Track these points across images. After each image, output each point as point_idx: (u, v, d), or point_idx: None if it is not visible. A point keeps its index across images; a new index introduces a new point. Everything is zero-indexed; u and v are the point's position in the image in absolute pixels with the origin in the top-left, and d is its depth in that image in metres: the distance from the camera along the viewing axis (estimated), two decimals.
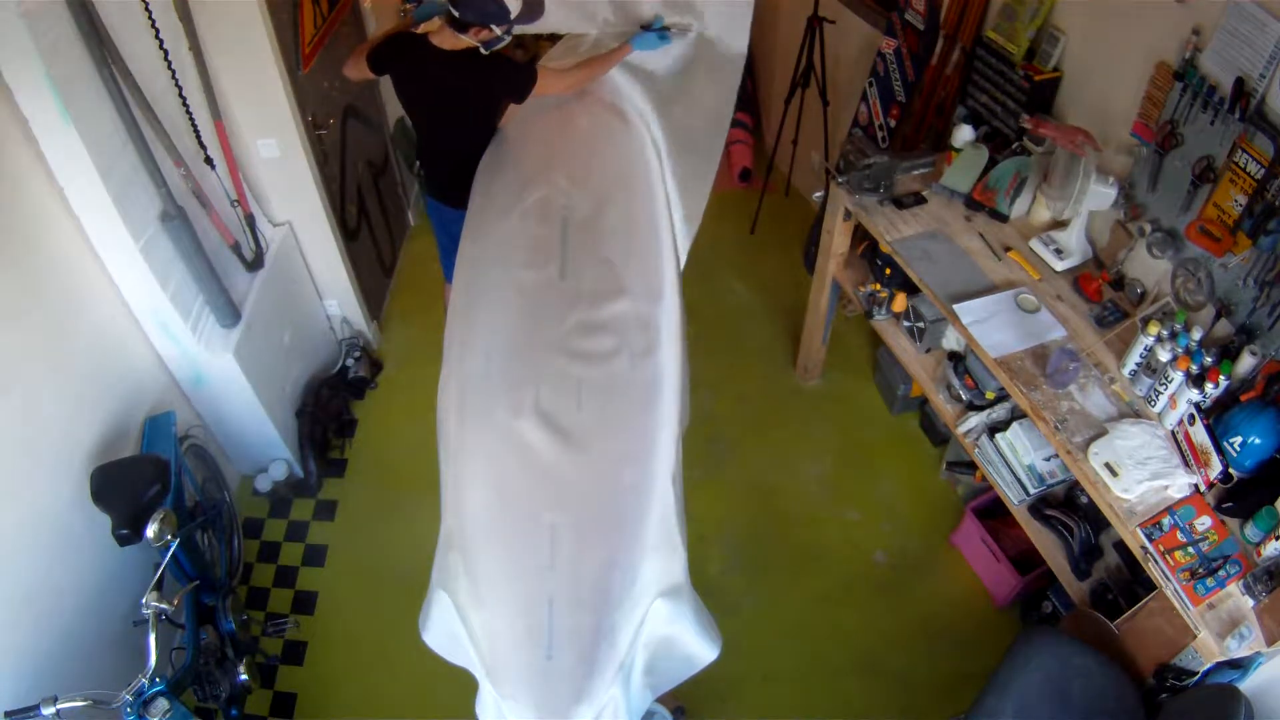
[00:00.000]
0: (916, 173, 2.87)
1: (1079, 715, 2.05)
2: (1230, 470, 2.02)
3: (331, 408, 3.32)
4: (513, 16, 2.31)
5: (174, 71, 2.41)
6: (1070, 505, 2.51)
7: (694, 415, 3.37)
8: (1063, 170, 2.46)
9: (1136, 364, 2.24)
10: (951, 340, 2.78)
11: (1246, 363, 2.08)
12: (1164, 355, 2.12)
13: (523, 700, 1.57)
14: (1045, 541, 2.47)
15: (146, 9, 2.28)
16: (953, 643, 2.74)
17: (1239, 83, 2.00)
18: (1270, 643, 1.83)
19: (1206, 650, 1.89)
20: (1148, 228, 2.35)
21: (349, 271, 3.39)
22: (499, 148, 2.58)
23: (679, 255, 2.47)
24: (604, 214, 2.30)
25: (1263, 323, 2.08)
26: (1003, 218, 2.68)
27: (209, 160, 2.61)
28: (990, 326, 2.38)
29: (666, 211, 2.37)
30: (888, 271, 2.88)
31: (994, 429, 2.60)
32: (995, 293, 2.46)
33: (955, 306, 2.42)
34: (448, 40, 2.40)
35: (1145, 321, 2.23)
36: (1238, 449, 2.01)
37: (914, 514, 3.09)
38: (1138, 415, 2.20)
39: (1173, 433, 2.15)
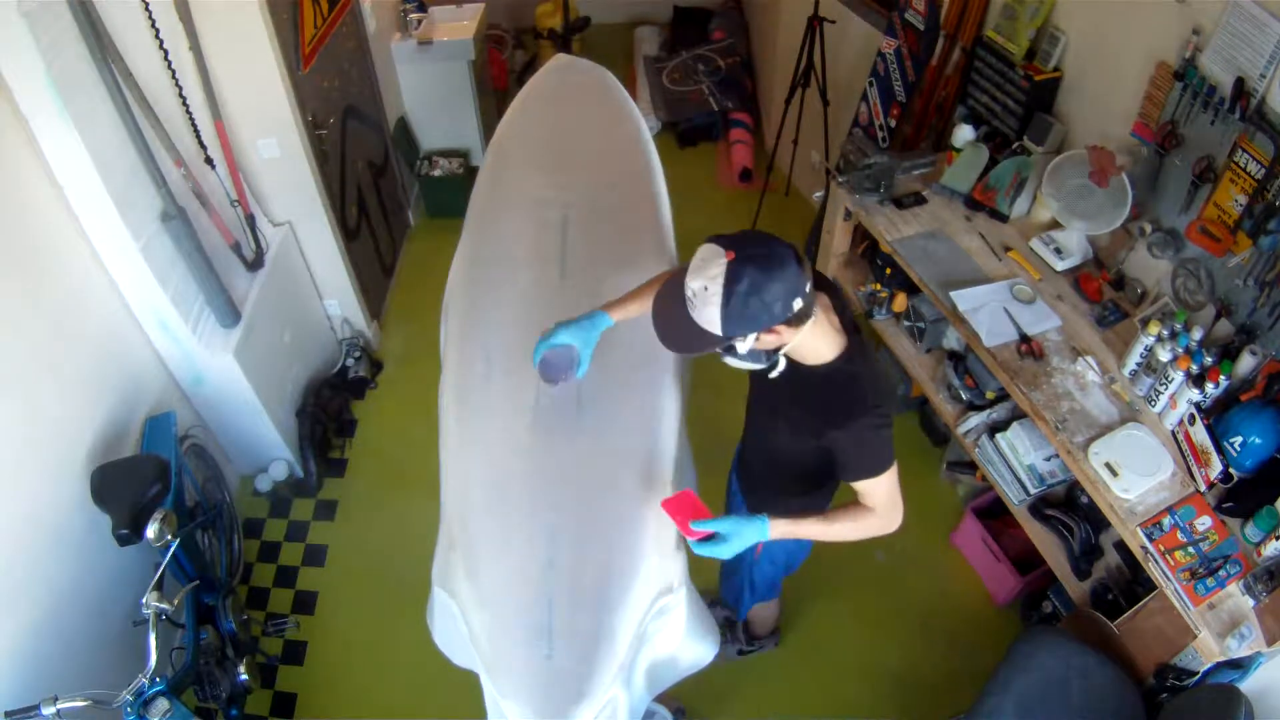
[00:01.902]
0: (916, 173, 2.87)
1: (1079, 715, 2.05)
2: (1230, 470, 2.02)
3: (331, 408, 3.32)
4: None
5: (174, 71, 2.41)
6: (1070, 505, 2.51)
7: (694, 415, 3.37)
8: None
9: (1137, 364, 2.24)
10: (952, 340, 2.77)
11: (1246, 362, 2.08)
12: (1164, 355, 2.12)
13: (523, 700, 1.57)
14: (1045, 541, 2.47)
15: (146, 9, 2.28)
16: (953, 643, 2.73)
17: (1239, 83, 2.00)
18: (1270, 643, 1.83)
19: (1206, 650, 1.89)
20: (1148, 228, 2.35)
21: (349, 271, 3.39)
22: (499, 149, 2.58)
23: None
24: (605, 214, 2.30)
25: (1263, 322, 2.08)
26: (1003, 217, 2.69)
27: (209, 160, 2.61)
28: (986, 314, 2.40)
29: (668, 213, 2.37)
30: (888, 271, 2.88)
31: (994, 429, 2.60)
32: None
33: (953, 293, 2.44)
34: None
35: (1145, 321, 2.23)
36: (1238, 449, 2.01)
37: (914, 514, 3.06)
38: (1138, 415, 2.20)
39: (1173, 432, 2.15)
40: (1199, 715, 1.90)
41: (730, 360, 1.49)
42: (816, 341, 1.52)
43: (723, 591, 2.49)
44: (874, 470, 1.61)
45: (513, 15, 5.39)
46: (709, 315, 1.36)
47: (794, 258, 1.38)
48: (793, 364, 1.54)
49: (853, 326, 1.61)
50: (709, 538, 1.58)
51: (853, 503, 1.68)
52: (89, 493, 2.14)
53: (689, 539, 1.59)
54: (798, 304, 1.38)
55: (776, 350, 1.48)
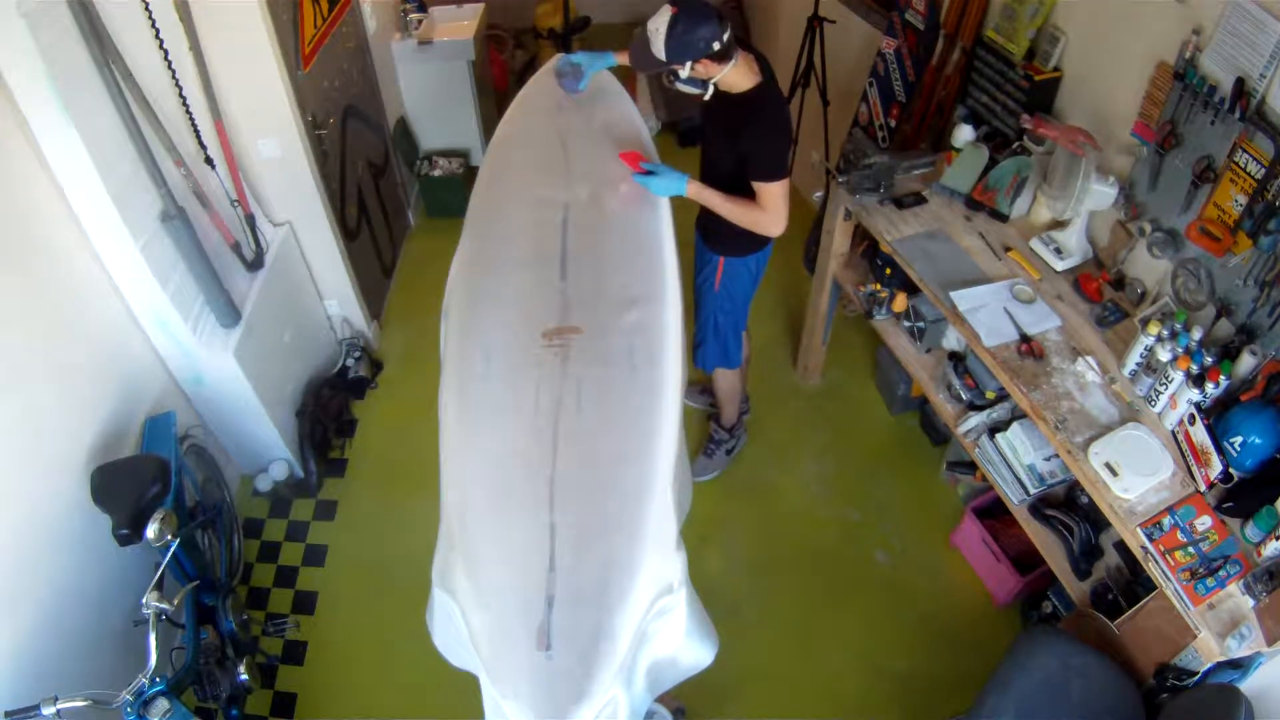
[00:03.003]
0: (916, 173, 2.87)
1: (1079, 715, 2.05)
2: (1230, 470, 2.01)
3: (331, 408, 3.32)
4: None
5: (174, 71, 2.41)
6: (1070, 505, 2.51)
7: (695, 415, 3.37)
8: (1063, 170, 2.46)
9: (1137, 364, 2.24)
10: (952, 340, 2.77)
11: (1246, 362, 2.08)
12: (1164, 355, 2.12)
13: (523, 700, 1.57)
14: (1045, 541, 2.47)
15: (146, 9, 2.28)
16: (953, 643, 2.74)
17: (1239, 83, 2.00)
18: (1270, 643, 1.83)
19: (1206, 650, 1.89)
20: (1148, 227, 2.35)
21: (349, 271, 3.39)
22: (500, 147, 2.58)
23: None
24: (605, 214, 2.30)
25: (1263, 322, 2.08)
26: (1003, 217, 2.68)
27: (209, 160, 2.61)
28: (986, 314, 2.40)
29: (668, 212, 2.37)
30: (888, 271, 2.88)
31: (994, 429, 2.60)
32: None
33: (953, 294, 2.44)
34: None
35: (1145, 321, 2.23)
36: (1238, 449, 2.01)
37: (914, 514, 3.09)
38: (1138, 415, 2.20)
39: (1173, 432, 2.15)
40: (1199, 715, 1.90)
41: (680, 86, 2.22)
42: (737, 78, 2.22)
43: (696, 359, 2.91)
44: (770, 172, 2.25)
45: (513, 15, 5.39)
46: (658, 45, 2.10)
47: (717, 18, 2.10)
48: (722, 94, 2.26)
49: (771, 76, 2.30)
50: (649, 173, 2.27)
51: (754, 200, 2.31)
52: (89, 493, 2.14)
53: (634, 172, 2.28)
54: (716, 45, 2.10)
55: (707, 80, 2.20)
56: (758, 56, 2.29)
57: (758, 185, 2.27)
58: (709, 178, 2.43)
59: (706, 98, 2.26)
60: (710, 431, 3.22)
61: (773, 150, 2.25)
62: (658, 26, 2.09)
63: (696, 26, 2.07)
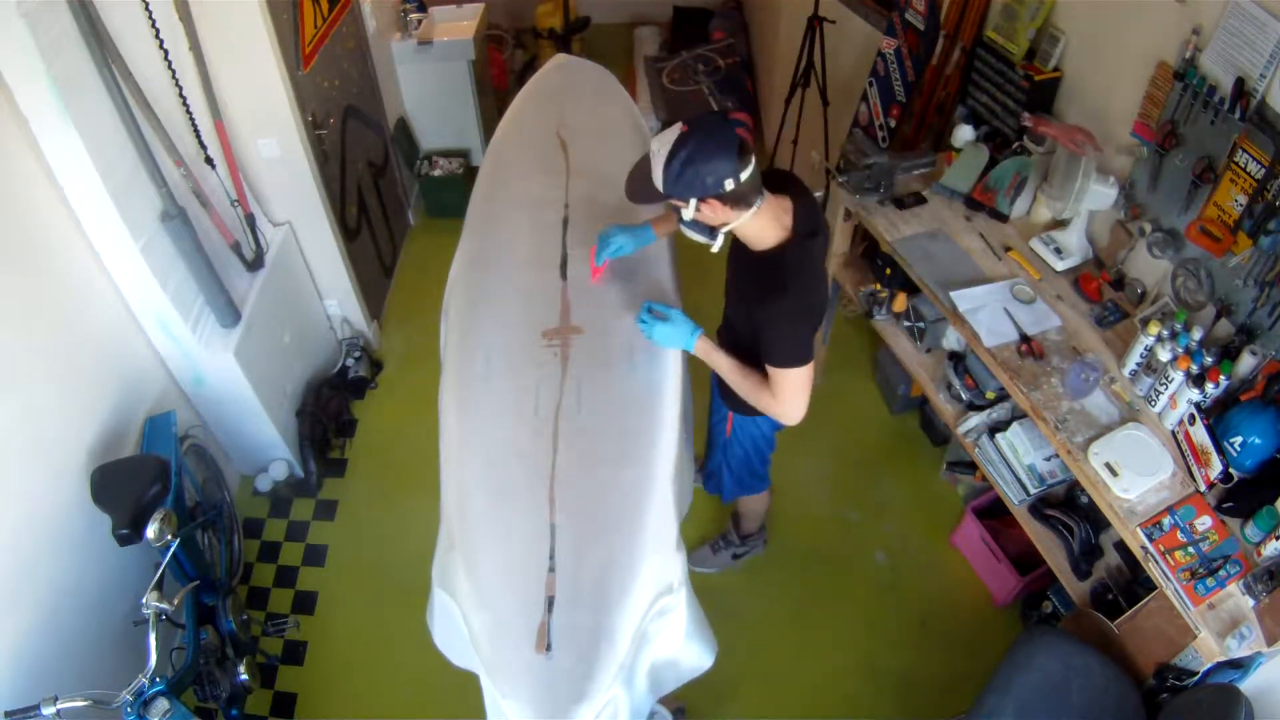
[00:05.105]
0: (916, 173, 2.87)
1: (1079, 715, 2.05)
2: (1230, 470, 2.01)
3: (331, 408, 3.32)
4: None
5: (174, 71, 2.41)
6: (1070, 505, 2.51)
7: (694, 416, 3.37)
8: (1063, 170, 2.46)
9: (1137, 364, 2.24)
10: (952, 340, 2.77)
11: (1246, 362, 2.08)
12: (1164, 355, 2.12)
13: (523, 700, 1.57)
14: (1045, 541, 2.47)
15: (146, 9, 2.28)
16: (953, 643, 2.74)
17: (1239, 82, 2.00)
18: (1270, 643, 1.83)
19: (1207, 650, 1.89)
20: (1148, 227, 2.35)
21: (349, 271, 3.39)
22: (500, 147, 2.58)
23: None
24: (605, 214, 2.30)
25: (1263, 322, 2.08)
26: (1003, 217, 2.68)
27: (209, 160, 2.61)
28: (986, 314, 2.40)
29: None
30: (888, 271, 2.88)
31: (994, 429, 2.60)
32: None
33: (953, 293, 2.44)
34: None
35: (1145, 321, 2.23)
36: (1238, 449, 2.01)
37: (914, 514, 3.09)
38: (1138, 415, 2.20)
39: (1173, 432, 2.15)
40: (1199, 715, 1.90)
41: (682, 229, 1.78)
42: (760, 230, 1.76)
43: (706, 486, 2.65)
44: (782, 359, 1.80)
45: (513, 15, 5.39)
46: (657, 173, 1.65)
47: (737, 149, 1.61)
48: (741, 247, 1.83)
49: (809, 232, 1.79)
50: (659, 317, 1.92)
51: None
52: (89, 493, 2.15)
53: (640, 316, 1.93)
54: (729, 185, 1.62)
55: (717, 228, 1.75)
56: (799, 194, 1.82)
57: (771, 370, 1.84)
58: (726, 334, 2.10)
59: (714, 249, 1.80)
60: (725, 530, 2.91)
61: (790, 330, 1.77)
62: (659, 147, 1.64)
63: (706, 157, 1.60)
